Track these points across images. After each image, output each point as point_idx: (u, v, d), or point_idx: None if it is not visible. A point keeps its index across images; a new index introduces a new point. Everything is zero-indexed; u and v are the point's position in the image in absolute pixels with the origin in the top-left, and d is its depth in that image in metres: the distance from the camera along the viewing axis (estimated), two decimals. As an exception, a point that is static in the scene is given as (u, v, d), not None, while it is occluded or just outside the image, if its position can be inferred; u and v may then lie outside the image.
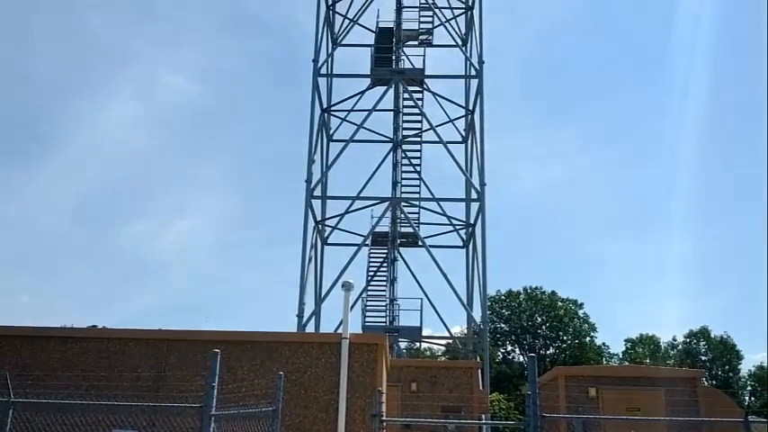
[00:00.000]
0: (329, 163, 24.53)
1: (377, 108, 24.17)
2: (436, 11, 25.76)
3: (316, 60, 23.86)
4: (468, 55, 25.37)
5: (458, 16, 26.85)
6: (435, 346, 40.13)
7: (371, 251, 25.17)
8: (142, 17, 70.22)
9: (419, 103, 24.93)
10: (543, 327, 52.52)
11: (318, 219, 24.45)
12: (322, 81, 25.04)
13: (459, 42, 25.97)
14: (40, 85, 70.11)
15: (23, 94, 68.98)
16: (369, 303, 23.73)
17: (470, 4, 26.51)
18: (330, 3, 26.34)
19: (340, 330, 12.46)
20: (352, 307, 13.95)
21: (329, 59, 25.55)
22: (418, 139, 26.12)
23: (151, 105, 73.15)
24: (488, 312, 32.62)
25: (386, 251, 25.27)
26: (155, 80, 72.47)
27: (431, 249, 22.46)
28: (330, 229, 25.46)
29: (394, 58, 25.41)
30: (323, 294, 22.76)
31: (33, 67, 67.71)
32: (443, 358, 41.53)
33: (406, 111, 26.01)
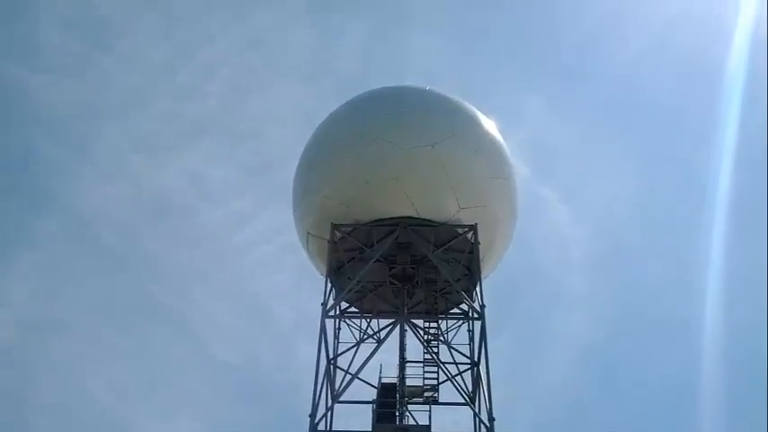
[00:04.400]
0: None
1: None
2: (442, 366, 24.70)
3: (313, 416, 22.08)
4: (477, 411, 23.62)
5: (463, 372, 25.64)
6: None
7: None
8: (146, 387, 70.00)
9: (427, 466, 22.45)
10: None
11: None
12: (319, 438, 22.94)
13: (467, 399, 24.43)
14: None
15: None
16: None
17: (476, 359, 25.56)
18: (331, 357, 25.48)
19: None
20: None
21: (328, 413, 23.79)
22: None
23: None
24: None
25: None
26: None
27: None
28: None
29: (397, 414, 23.67)
30: None
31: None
32: None
33: (412, 476, 23.30)
